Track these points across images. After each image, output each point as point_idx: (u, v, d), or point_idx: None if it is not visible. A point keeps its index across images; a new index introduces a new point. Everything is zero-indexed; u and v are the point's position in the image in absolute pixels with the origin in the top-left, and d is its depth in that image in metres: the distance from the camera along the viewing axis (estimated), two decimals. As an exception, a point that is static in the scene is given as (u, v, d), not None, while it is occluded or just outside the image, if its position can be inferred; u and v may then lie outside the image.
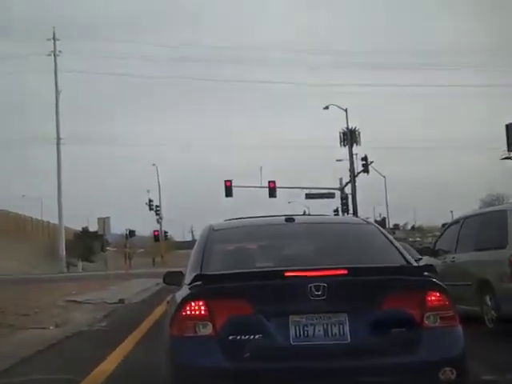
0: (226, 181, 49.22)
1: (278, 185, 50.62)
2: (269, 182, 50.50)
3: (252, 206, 59.89)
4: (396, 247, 5.66)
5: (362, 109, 75.99)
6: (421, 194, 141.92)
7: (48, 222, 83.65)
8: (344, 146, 54.00)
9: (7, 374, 8.31)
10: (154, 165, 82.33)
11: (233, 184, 49.29)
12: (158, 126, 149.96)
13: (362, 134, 53.71)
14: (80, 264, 68.86)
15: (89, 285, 28.45)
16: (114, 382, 7.57)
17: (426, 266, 5.39)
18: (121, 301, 20.17)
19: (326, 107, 53.99)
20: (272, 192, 49.76)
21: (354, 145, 53.66)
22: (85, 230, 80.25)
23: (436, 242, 13.82)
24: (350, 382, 4.68)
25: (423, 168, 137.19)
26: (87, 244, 74.37)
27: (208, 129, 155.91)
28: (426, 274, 5.11)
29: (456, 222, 13.33)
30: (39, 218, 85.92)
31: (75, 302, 19.94)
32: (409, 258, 5.50)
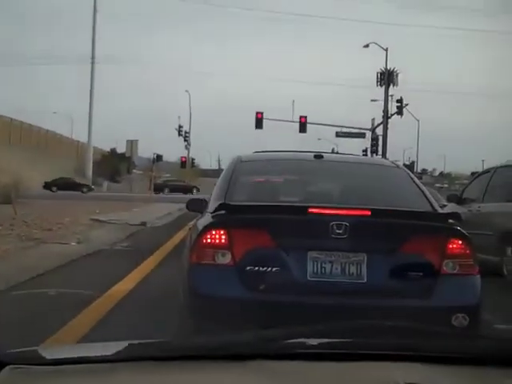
0: (257, 112, 48.76)
1: (309, 120, 50.18)
2: (300, 116, 49.93)
3: (281, 139, 59.57)
4: (423, 192, 5.59)
5: (403, 51, 74.70)
6: (453, 141, 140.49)
7: (77, 141, 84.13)
8: (380, 86, 53.14)
9: (28, 286, 8.46)
10: (186, 91, 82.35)
11: (264, 116, 48.90)
12: (193, 54, 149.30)
13: (399, 76, 52.84)
14: (106, 184, 69.55)
15: (113, 205, 28.73)
16: (131, 301, 7.67)
17: (452, 213, 5.33)
18: (143, 223, 20.37)
19: (367, 45, 52.83)
20: (303, 127, 49.25)
21: (391, 86, 52.81)
22: (113, 151, 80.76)
23: (464, 190, 13.68)
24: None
25: (459, 115, 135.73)
26: (114, 165, 74.93)
27: (244, 59, 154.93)
28: (450, 221, 5.05)
29: (487, 171, 13.11)
30: (69, 136, 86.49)
31: (98, 220, 20.15)
32: (435, 204, 5.43)
